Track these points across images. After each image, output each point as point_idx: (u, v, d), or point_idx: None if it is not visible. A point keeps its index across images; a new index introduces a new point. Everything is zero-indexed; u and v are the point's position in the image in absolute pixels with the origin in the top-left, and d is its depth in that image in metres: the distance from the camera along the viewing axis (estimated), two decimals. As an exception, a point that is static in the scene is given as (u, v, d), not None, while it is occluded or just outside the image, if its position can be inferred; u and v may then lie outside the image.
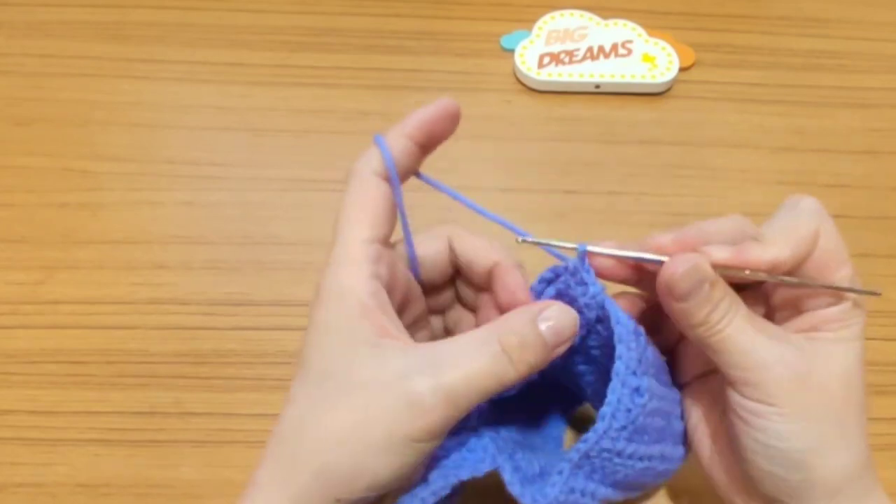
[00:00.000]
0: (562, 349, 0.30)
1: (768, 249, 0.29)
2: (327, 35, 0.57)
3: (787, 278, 0.30)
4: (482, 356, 0.28)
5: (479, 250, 0.33)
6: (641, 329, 0.31)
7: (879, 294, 0.31)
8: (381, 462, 0.27)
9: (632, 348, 0.30)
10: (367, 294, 0.29)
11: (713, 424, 0.33)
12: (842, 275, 0.30)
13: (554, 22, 0.58)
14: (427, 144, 0.32)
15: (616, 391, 0.30)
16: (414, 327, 0.34)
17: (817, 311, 0.31)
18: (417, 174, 0.33)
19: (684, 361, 0.35)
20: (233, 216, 0.48)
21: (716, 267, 0.30)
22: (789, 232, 0.30)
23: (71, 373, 0.42)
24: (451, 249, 0.34)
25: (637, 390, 0.30)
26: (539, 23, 0.58)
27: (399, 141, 0.31)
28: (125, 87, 0.54)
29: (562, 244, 0.31)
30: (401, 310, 0.33)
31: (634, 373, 0.30)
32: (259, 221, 0.48)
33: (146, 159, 0.50)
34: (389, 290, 0.31)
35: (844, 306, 0.30)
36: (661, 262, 0.30)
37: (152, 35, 0.56)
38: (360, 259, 0.30)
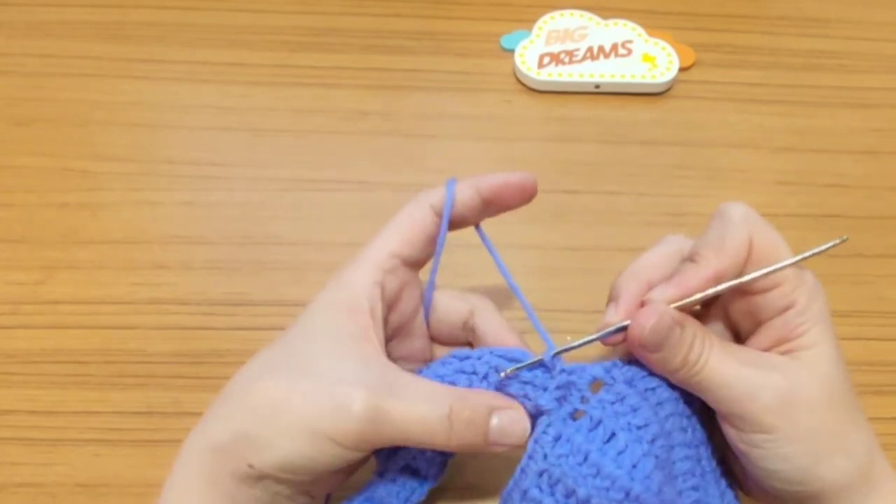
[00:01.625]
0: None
1: (704, 269, 0.30)
2: (327, 35, 0.57)
3: (735, 281, 0.30)
4: (428, 406, 0.29)
5: (495, 332, 0.34)
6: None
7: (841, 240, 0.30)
8: (292, 447, 0.28)
9: (534, 458, 0.30)
10: (362, 294, 0.30)
11: None
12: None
13: (554, 22, 0.58)
14: (492, 203, 0.33)
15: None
16: (405, 361, 0.35)
17: (774, 320, 0.30)
18: (477, 227, 0.34)
19: None
20: (233, 216, 0.48)
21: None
22: (721, 244, 0.30)
23: (71, 373, 0.42)
24: (469, 321, 0.35)
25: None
26: (539, 23, 0.58)
27: (467, 190, 0.33)
28: (125, 87, 0.54)
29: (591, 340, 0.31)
30: (393, 335, 0.34)
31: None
32: (259, 221, 0.48)
33: (146, 159, 0.50)
34: (389, 306, 0.32)
35: (796, 309, 0.30)
36: (624, 328, 0.30)
37: (152, 35, 0.56)
38: (373, 263, 0.31)
